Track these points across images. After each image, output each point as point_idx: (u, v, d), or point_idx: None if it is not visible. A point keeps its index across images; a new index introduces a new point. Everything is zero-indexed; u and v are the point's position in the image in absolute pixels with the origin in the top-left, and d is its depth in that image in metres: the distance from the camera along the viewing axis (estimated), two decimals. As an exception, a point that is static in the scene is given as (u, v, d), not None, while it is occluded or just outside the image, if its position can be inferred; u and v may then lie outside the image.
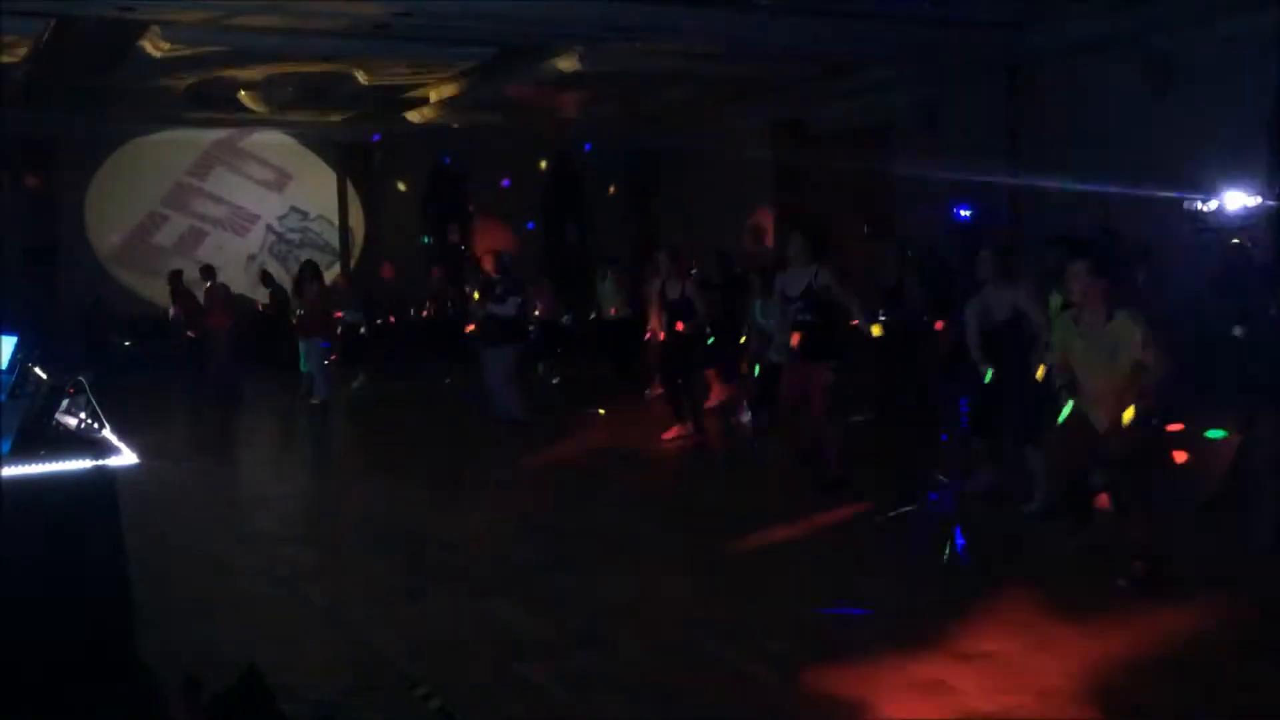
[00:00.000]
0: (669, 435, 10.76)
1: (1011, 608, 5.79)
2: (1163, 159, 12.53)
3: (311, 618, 5.92)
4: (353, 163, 20.64)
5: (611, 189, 22.08)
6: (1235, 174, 11.82)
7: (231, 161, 20.36)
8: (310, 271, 14.06)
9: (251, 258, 20.11)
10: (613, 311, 14.27)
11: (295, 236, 20.55)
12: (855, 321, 8.63)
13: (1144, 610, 5.63)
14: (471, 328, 12.87)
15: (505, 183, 20.68)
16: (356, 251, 20.86)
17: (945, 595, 6.02)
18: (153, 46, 12.66)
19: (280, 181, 20.72)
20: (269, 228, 20.59)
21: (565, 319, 15.21)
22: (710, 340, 11.70)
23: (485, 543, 7.47)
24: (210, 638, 5.48)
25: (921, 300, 11.10)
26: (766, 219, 18.55)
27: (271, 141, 20.35)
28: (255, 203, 20.54)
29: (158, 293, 18.77)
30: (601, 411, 12.02)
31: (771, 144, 18.96)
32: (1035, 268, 8.59)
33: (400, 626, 5.71)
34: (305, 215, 20.80)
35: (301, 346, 13.76)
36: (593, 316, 15.03)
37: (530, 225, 21.13)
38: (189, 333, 15.95)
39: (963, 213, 14.99)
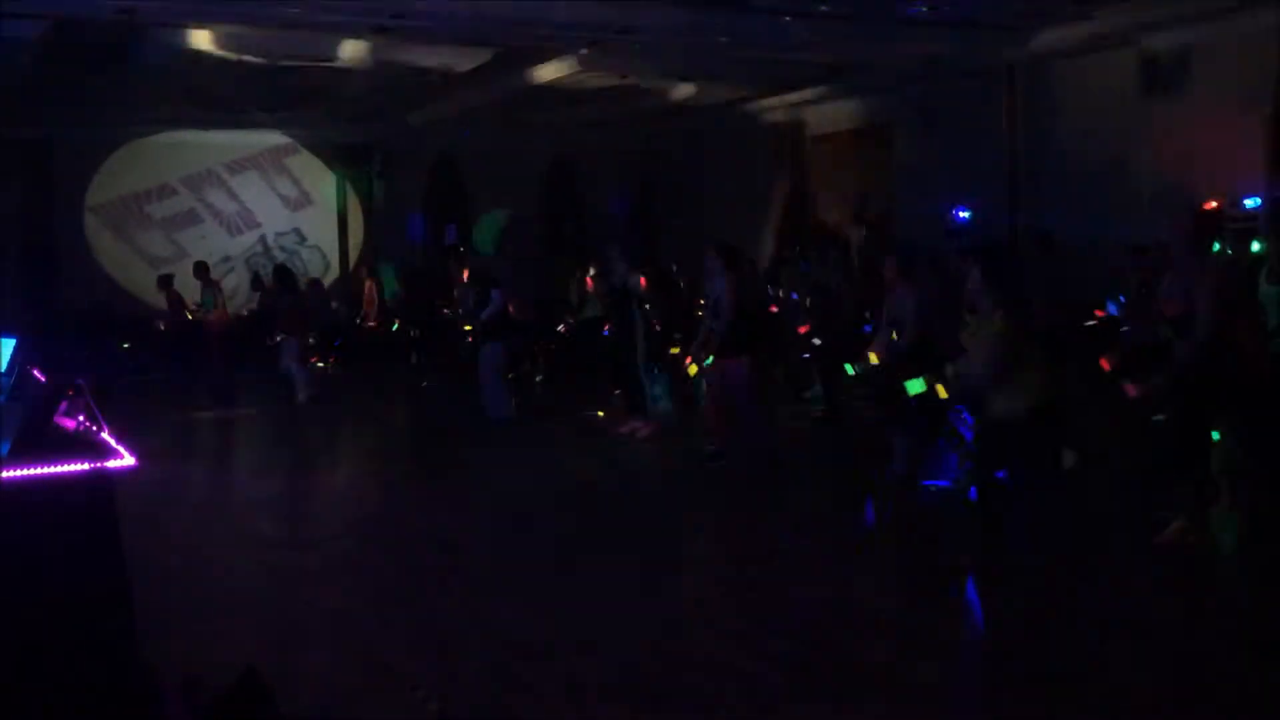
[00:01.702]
0: (624, 430, 11.02)
1: (1009, 610, 5.80)
2: (1162, 159, 12.53)
3: (310, 619, 5.91)
4: (352, 165, 20.66)
5: (611, 190, 22.05)
6: (1235, 174, 11.82)
7: (268, 169, 20.50)
8: (284, 275, 14.64)
9: (226, 259, 20.04)
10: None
11: (281, 255, 20.44)
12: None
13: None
14: (468, 327, 12.88)
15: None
16: (353, 257, 20.88)
17: (943, 595, 6.02)
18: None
19: (299, 202, 20.86)
20: (263, 238, 20.60)
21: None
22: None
23: (483, 543, 7.47)
24: (210, 638, 5.48)
25: (853, 305, 11.10)
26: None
27: (314, 167, 20.55)
28: (265, 212, 20.64)
29: (115, 259, 18.86)
30: (601, 414, 12.01)
31: (771, 144, 18.97)
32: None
33: (399, 627, 5.71)
34: (304, 239, 20.87)
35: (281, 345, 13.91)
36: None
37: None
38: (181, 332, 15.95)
39: (961, 214, 14.98)
